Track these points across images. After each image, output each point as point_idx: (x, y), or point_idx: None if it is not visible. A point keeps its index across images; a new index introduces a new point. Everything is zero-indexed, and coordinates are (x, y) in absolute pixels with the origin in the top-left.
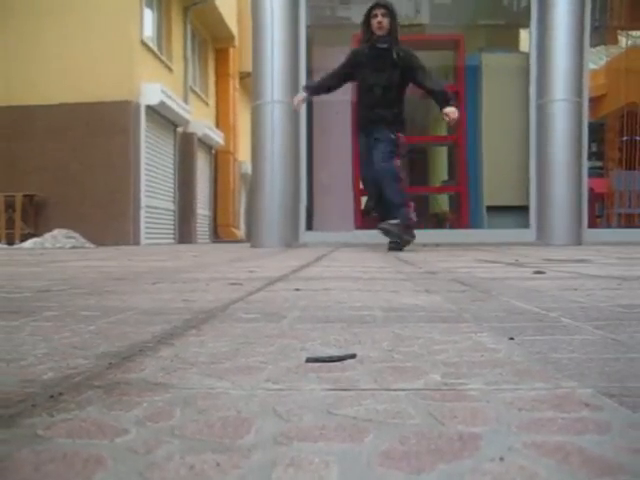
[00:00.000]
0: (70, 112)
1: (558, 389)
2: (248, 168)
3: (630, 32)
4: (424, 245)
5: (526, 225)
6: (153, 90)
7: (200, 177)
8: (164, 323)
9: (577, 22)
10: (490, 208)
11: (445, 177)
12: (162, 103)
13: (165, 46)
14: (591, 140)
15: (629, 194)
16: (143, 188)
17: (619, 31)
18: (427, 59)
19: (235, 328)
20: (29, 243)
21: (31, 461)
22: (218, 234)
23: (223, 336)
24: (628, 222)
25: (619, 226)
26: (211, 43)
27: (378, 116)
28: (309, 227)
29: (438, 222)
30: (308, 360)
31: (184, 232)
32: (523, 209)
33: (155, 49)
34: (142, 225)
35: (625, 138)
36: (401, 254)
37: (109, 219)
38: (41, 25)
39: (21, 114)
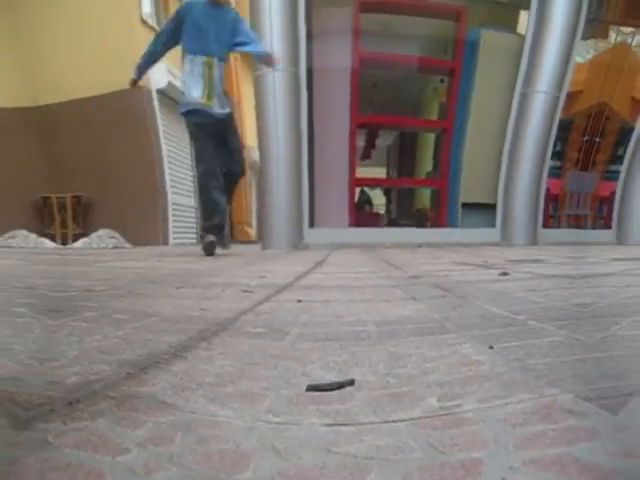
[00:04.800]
0: (89, 106)
1: (542, 398)
2: (257, 155)
3: (621, 28)
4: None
5: (493, 224)
6: (159, 71)
7: None
8: (180, 333)
9: (574, 11)
10: (465, 205)
11: (430, 168)
12: (170, 84)
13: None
14: (556, 138)
15: (578, 195)
16: (168, 184)
17: (612, 26)
18: (427, 27)
19: (242, 344)
20: (80, 243)
21: (37, 467)
22: (233, 234)
23: (231, 353)
24: (577, 223)
25: (569, 227)
26: None
27: None
28: (311, 225)
29: (419, 220)
30: (308, 389)
31: None
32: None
33: (155, 25)
34: (170, 224)
35: (586, 138)
36: (390, 257)
37: (141, 218)
38: (43, 26)
39: (45, 113)
